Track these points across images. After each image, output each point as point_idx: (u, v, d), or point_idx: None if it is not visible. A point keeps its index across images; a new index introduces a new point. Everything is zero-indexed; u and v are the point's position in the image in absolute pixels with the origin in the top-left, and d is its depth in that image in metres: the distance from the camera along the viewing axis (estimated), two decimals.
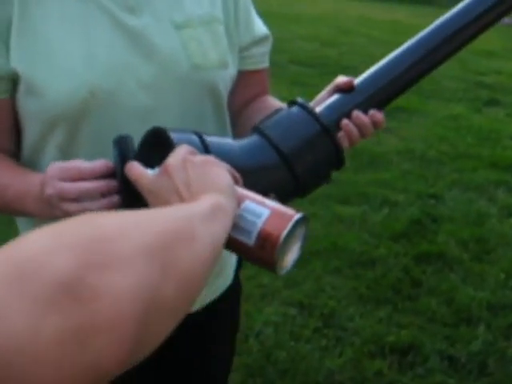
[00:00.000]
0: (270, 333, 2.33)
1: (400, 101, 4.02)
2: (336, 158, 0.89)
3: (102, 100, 0.86)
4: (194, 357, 1.15)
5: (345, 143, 0.90)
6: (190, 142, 0.78)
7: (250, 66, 1.05)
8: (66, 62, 0.85)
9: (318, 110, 0.92)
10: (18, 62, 0.85)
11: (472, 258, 3.00)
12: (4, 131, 0.92)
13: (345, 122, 0.90)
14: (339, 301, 2.56)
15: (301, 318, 2.43)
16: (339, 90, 0.94)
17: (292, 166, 0.85)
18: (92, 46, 0.86)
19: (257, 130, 0.88)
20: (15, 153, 0.94)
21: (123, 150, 0.77)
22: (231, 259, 1.15)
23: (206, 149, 0.79)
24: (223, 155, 0.79)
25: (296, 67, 6.81)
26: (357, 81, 0.94)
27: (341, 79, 0.94)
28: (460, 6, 0.95)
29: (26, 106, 0.88)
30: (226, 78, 0.98)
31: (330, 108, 0.92)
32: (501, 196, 3.85)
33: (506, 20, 19.84)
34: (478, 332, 2.41)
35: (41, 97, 0.85)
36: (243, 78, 1.04)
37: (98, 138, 0.85)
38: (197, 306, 1.06)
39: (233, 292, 1.16)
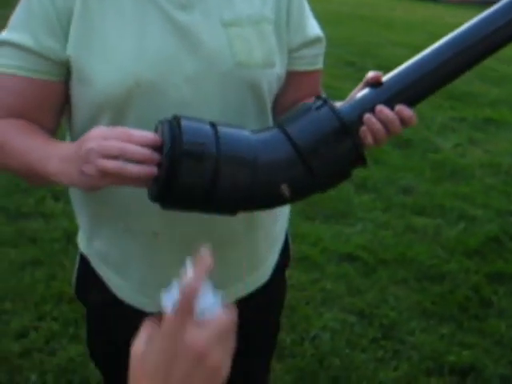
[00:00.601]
0: (327, 338, 2.30)
1: (490, 113, 3.90)
2: (356, 156, 0.87)
3: (147, 90, 0.90)
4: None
5: (368, 139, 0.88)
6: (200, 131, 0.79)
7: (300, 67, 1.05)
8: (117, 53, 0.90)
9: (342, 105, 0.90)
10: (73, 51, 0.91)
11: None
12: (51, 112, 0.98)
13: (367, 116, 0.88)
14: (401, 313, 2.49)
15: (359, 327, 2.39)
16: (367, 84, 0.92)
17: (307, 161, 0.84)
18: (143, 39, 0.91)
19: (277, 124, 0.89)
20: (54, 134, 1.01)
21: (174, 128, 0.79)
22: (271, 256, 1.15)
23: (216, 139, 0.79)
24: (235, 146, 0.81)
25: (383, 73, 6.68)
26: (385, 77, 0.91)
27: (370, 74, 0.92)
28: (495, 6, 0.91)
29: (77, 92, 0.95)
30: (270, 78, 0.98)
31: (353, 103, 0.90)
32: None
33: None
34: None
35: (90, 84, 0.91)
36: (293, 78, 1.04)
37: (142, 126, 0.88)
38: (228, 298, 1.08)
39: (273, 288, 1.17)
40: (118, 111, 0.92)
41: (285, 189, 0.83)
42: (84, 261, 1.11)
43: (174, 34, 0.92)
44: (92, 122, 0.94)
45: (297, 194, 0.86)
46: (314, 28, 1.07)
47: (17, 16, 0.94)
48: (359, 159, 0.87)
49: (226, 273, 1.05)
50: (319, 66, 1.09)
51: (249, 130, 0.87)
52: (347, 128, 0.85)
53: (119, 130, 0.81)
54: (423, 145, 4.64)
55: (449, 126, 5.25)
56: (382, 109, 0.88)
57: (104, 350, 1.14)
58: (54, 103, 0.97)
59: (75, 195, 1.08)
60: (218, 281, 1.06)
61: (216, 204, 0.82)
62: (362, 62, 7.18)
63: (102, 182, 0.81)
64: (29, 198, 3.20)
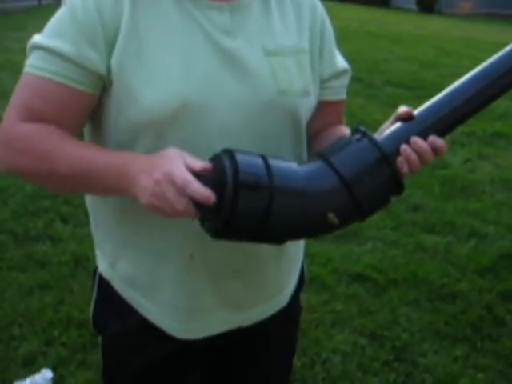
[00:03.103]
0: (338, 361, 2.27)
1: (499, 126, 3.89)
2: (395, 184, 0.92)
3: (192, 112, 0.91)
4: (248, 374, 1.19)
5: (404, 168, 0.91)
6: (253, 164, 0.83)
7: (329, 96, 1.11)
8: (164, 73, 0.91)
9: (378, 138, 0.94)
10: (118, 67, 0.91)
11: None
12: (74, 123, 0.96)
13: (403, 147, 0.92)
14: (413, 334, 2.45)
15: (371, 349, 2.35)
16: (399, 119, 0.96)
17: (352, 190, 0.88)
18: (189, 61, 0.92)
19: (320, 155, 0.92)
20: None
21: (231, 162, 0.82)
22: (290, 282, 1.17)
23: (268, 171, 0.83)
24: (286, 178, 0.86)
25: (392, 89, 6.68)
26: (417, 111, 0.96)
27: (402, 109, 0.96)
28: None
29: (117, 110, 0.94)
30: (307, 106, 1.03)
31: (389, 136, 0.94)
32: None
33: None
34: None
35: (134, 103, 0.91)
36: (321, 107, 1.09)
37: (184, 147, 0.88)
38: (252, 320, 1.11)
39: (289, 314, 1.18)
40: (159, 132, 0.92)
41: (332, 217, 0.87)
42: (104, 284, 1.09)
43: (220, 59, 0.94)
44: (131, 141, 0.94)
45: (341, 222, 0.90)
46: (341, 60, 1.13)
47: (56, 23, 0.93)
48: (397, 187, 0.92)
49: (252, 296, 1.08)
50: (344, 96, 1.14)
51: (295, 162, 0.91)
52: (388, 158, 0.90)
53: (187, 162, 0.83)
54: (432, 161, 4.61)
55: (458, 141, 5.22)
56: (416, 140, 0.92)
57: (125, 381, 1.12)
58: (80, 115, 0.96)
59: (103, 218, 1.07)
60: (242, 304, 1.07)
61: (268, 233, 0.86)
62: (370, 78, 7.19)
63: (156, 203, 0.84)
64: (37, 221, 3.20)
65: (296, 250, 1.16)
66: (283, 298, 1.16)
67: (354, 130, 0.95)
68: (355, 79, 6.89)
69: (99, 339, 1.14)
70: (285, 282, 1.15)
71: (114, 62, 0.91)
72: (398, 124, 0.95)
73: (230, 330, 1.09)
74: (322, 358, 2.28)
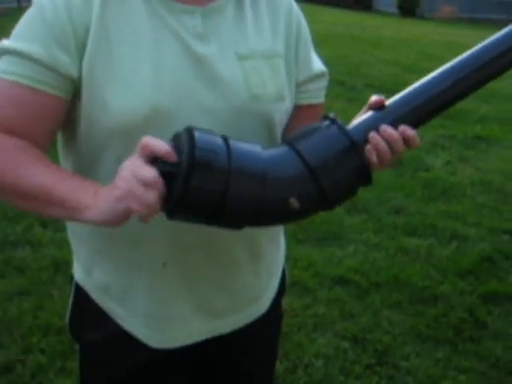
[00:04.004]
0: (320, 365, 2.26)
1: (479, 130, 3.93)
2: (363, 174, 0.90)
3: (163, 118, 0.89)
4: (229, 379, 1.17)
5: (373, 158, 0.90)
6: (211, 142, 0.81)
7: (306, 100, 1.08)
8: (135, 78, 0.89)
9: (349, 126, 0.93)
10: (88, 71, 0.88)
11: None
12: (47, 130, 0.93)
13: (372, 134, 0.90)
14: (395, 337, 2.45)
15: (353, 353, 2.35)
16: (371, 108, 0.94)
17: (318, 178, 0.86)
18: (160, 66, 0.90)
19: (287, 141, 0.90)
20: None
21: (189, 139, 0.80)
22: (271, 287, 1.15)
23: (228, 151, 0.81)
24: (245, 159, 0.83)
25: (373, 92, 6.63)
26: (389, 101, 0.94)
27: (373, 98, 0.94)
28: (498, 34, 0.95)
29: (88, 115, 0.91)
30: (281, 111, 1.01)
31: (359, 124, 0.93)
32: None
33: None
34: None
35: (104, 108, 0.88)
36: (298, 111, 1.07)
37: None
38: (231, 328, 1.09)
39: (269, 320, 1.16)
40: (130, 138, 0.89)
41: (294, 202, 0.84)
42: (80, 292, 1.07)
43: (191, 64, 0.92)
44: (103, 146, 0.92)
45: (305, 210, 0.88)
46: (318, 63, 1.10)
47: (25, 25, 0.90)
48: (365, 177, 0.90)
49: (229, 303, 1.06)
50: (322, 99, 1.12)
51: (260, 146, 0.88)
52: (356, 146, 0.88)
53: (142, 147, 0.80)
54: (413, 164, 4.64)
55: (439, 144, 5.26)
56: (385, 128, 0.90)
57: None
58: (53, 121, 0.92)
59: (75, 228, 1.05)
60: (219, 312, 1.05)
61: (224, 216, 0.83)
62: (352, 81, 7.22)
63: (129, 200, 0.79)
64: (16, 225, 3.16)
65: (275, 255, 1.15)
66: (262, 305, 1.14)
67: (324, 117, 0.93)
68: (337, 82, 6.92)
69: (77, 347, 1.12)
70: (264, 288, 1.13)
71: (84, 64, 0.88)
72: (369, 113, 0.94)
73: (208, 338, 1.07)
74: (304, 362, 2.27)
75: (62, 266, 2.74)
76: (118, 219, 0.82)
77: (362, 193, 3.84)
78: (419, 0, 25.02)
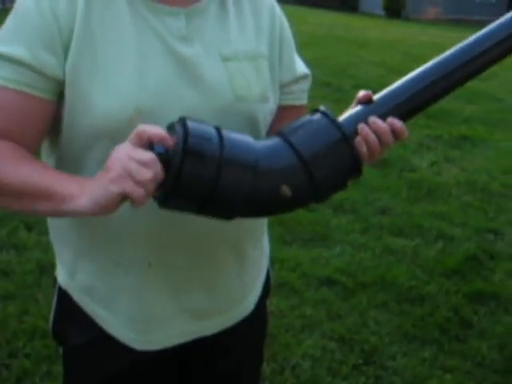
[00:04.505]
0: (307, 366, 2.26)
1: (464, 130, 3.96)
2: (354, 165, 0.91)
3: (147, 119, 0.88)
4: (214, 380, 1.16)
5: (363, 149, 0.91)
6: (205, 131, 0.82)
7: (289, 101, 1.09)
8: (119, 79, 0.88)
9: (338, 119, 0.94)
10: (72, 71, 0.88)
11: None
12: (36, 132, 0.92)
13: (361, 126, 0.91)
14: (382, 337, 2.46)
15: (340, 353, 2.35)
16: (359, 102, 0.96)
17: (310, 169, 0.87)
18: (144, 67, 0.90)
19: (279, 133, 0.91)
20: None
21: (182, 128, 0.81)
22: (255, 288, 1.15)
23: (220, 140, 0.82)
24: (237, 149, 0.84)
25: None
26: (377, 95, 0.96)
27: (361, 93, 0.95)
28: (483, 30, 0.98)
29: (72, 116, 0.90)
30: (265, 111, 1.01)
31: (349, 117, 0.94)
32: None
33: None
34: None
35: (89, 109, 0.88)
36: (282, 112, 1.08)
37: None
38: (216, 329, 1.09)
39: (254, 321, 1.17)
40: (114, 138, 0.88)
41: (286, 190, 0.85)
42: (63, 296, 1.06)
43: (175, 65, 0.92)
44: (86, 148, 0.92)
45: (296, 201, 0.89)
46: (301, 65, 1.11)
47: (9, 28, 0.89)
48: (356, 169, 0.91)
49: (214, 304, 1.06)
50: (305, 101, 1.13)
51: (252, 137, 0.89)
52: (347, 138, 0.89)
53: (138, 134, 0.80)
54: (399, 164, 4.67)
55: (424, 145, 5.29)
56: (375, 120, 0.91)
57: None
58: (42, 123, 0.92)
59: (58, 230, 1.04)
60: (203, 313, 1.05)
61: (215, 204, 0.83)
62: (338, 83, 7.25)
63: (123, 182, 0.77)
64: (0, 229, 3.13)
65: (259, 256, 1.15)
66: (247, 306, 1.14)
67: (314, 110, 0.94)
68: (323, 83, 6.95)
69: (60, 350, 1.12)
70: (248, 290, 1.13)
71: (68, 65, 0.88)
72: (358, 107, 0.95)
73: (192, 340, 1.07)
74: (291, 363, 2.27)
75: (48, 270, 2.71)
76: (111, 205, 0.79)
77: (349, 193, 3.87)
78: (405, 2, 25.17)
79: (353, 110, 0.96)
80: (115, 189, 0.77)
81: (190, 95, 0.93)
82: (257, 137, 1.01)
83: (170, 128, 0.84)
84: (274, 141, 0.90)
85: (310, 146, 0.88)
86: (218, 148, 0.81)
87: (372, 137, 0.90)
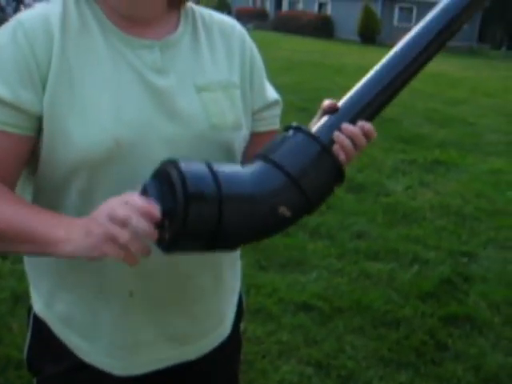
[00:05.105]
0: None
1: (438, 154, 4.03)
2: (337, 172, 0.94)
3: (125, 150, 0.91)
4: None
5: (341, 156, 0.93)
6: (200, 173, 0.83)
7: (261, 127, 1.12)
8: (97, 113, 0.90)
9: (312, 131, 0.96)
10: (50, 105, 0.88)
11: (504, 321, 2.87)
12: (16, 166, 0.93)
13: (336, 134, 0.94)
14: (359, 362, 2.47)
15: (317, 379, 2.35)
16: (326, 112, 0.98)
17: (300, 184, 0.90)
18: (121, 100, 0.91)
19: (260, 156, 0.93)
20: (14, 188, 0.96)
21: (177, 174, 0.81)
22: (230, 312, 1.17)
23: (215, 179, 0.83)
24: (233, 184, 0.86)
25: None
26: (340, 102, 0.99)
27: (326, 103, 0.98)
28: (422, 24, 1.02)
29: (51, 149, 0.91)
30: (239, 138, 1.04)
31: (321, 128, 0.97)
32: None
33: None
34: None
35: (68, 142, 0.89)
36: (255, 138, 1.10)
37: (118, 185, 0.88)
38: (196, 354, 1.10)
39: (231, 343, 1.18)
40: (93, 171, 0.90)
41: (284, 210, 0.88)
42: (39, 325, 1.06)
43: (151, 97, 0.94)
44: (65, 180, 0.92)
45: (294, 217, 0.91)
46: (271, 91, 1.14)
47: None
48: (339, 176, 0.94)
49: (195, 328, 1.08)
50: (277, 126, 1.15)
51: (238, 164, 0.92)
52: (326, 148, 0.92)
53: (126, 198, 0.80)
54: (375, 188, 4.73)
55: (399, 169, 5.37)
56: (347, 126, 0.94)
57: None
58: (21, 159, 0.92)
59: (34, 262, 1.04)
60: (184, 338, 1.06)
61: (221, 241, 0.86)
62: (313, 108, 7.27)
63: (105, 247, 0.79)
64: None
65: (234, 278, 1.16)
66: (224, 329, 1.16)
67: (286, 128, 0.96)
68: (300, 109, 7.03)
69: (34, 381, 1.11)
70: (226, 312, 1.15)
71: (46, 99, 0.88)
72: (326, 117, 0.97)
73: (172, 365, 1.08)
74: None
75: (22, 298, 2.68)
76: (95, 259, 0.81)
77: (325, 218, 3.89)
78: (380, 28, 25.67)
79: (323, 120, 0.98)
80: (96, 253, 0.80)
81: (167, 125, 0.94)
82: (233, 163, 1.03)
83: (160, 173, 0.84)
84: (259, 165, 0.91)
85: (294, 162, 0.90)
86: (215, 186, 0.83)
87: (347, 142, 0.93)
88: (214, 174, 0.84)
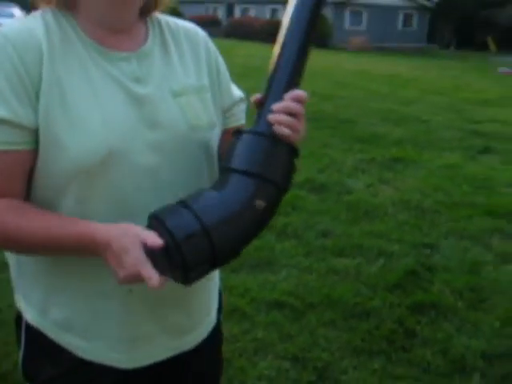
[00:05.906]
0: None
1: (395, 152, 4.17)
2: (291, 150, 0.99)
3: (117, 158, 0.96)
4: None
5: (285, 131, 0.96)
6: (181, 219, 0.91)
7: (232, 123, 1.20)
8: (89, 123, 0.94)
9: (257, 127, 1.00)
10: (44, 118, 0.92)
11: (467, 306, 3.01)
12: (22, 180, 0.97)
13: (269, 116, 0.97)
14: (333, 353, 2.56)
15: (295, 372, 2.43)
16: (258, 107, 1.02)
17: (268, 177, 0.96)
18: (108, 110, 0.97)
19: (223, 170, 1.00)
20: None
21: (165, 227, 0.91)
22: (214, 303, 1.23)
23: (196, 217, 0.91)
24: (213, 211, 0.93)
25: None
26: (261, 94, 1.02)
27: (253, 99, 1.02)
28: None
29: (45, 159, 0.95)
30: (215, 136, 1.12)
31: (260, 121, 1.00)
32: (495, 243, 3.88)
33: (505, 69, 20.01)
34: (473, 382, 2.41)
35: (63, 152, 0.93)
36: (226, 134, 1.17)
37: (113, 191, 0.95)
38: (191, 344, 1.16)
39: (217, 334, 1.25)
40: (87, 179, 0.95)
41: (260, 203, 0.94)
42: (34, 333, 1.07)
43: (134, 105, 1.00)
44: (59, 189, 0.96)
45: (271, 206, 0.98)
46: (236, 89, 1.23)
47: None
48: (292, 150, 1.00)
49: (190, 320, 1.14)
50: (244, 120, 1.24)
51: (209, 188, 0.98)
52: (269, 134, 0.97)
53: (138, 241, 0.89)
54: (337, 188, 4.85)
55: (359, 168, 5.51)
56: (275, 105, 0.98)
57: None
58: (26, 171, 0.96)
59: (30, 267, 1.06)
60: (182, 330, 1.12)
61: (223, 257, 0.94)
62: None
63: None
64: None
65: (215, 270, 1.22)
66: (212, 320, 1.21)
67: (232, 134, 1.01)
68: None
69: None
70: (212, 304, 1.21)
71: (40, 111, 0.92)
72: (258, 111, 1.02)
73: (168, 358, 1.13)
74: None
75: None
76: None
77: (290, 219, 3.96)
78: (331, 31, 26.03)
79: (257, 116, 1.02)
80: (121, 282, 0.91)
81: (151, 131, 1.00)
82: (209, 158, 1.10)
83: (152, 223, 0.93)
84: (226, 179, 0.97)
85: (256, 160, 0.96)
86: (197, 222, 0.90)
87: (282, 117, 0.96)
88: (193, 212, 0.91)
